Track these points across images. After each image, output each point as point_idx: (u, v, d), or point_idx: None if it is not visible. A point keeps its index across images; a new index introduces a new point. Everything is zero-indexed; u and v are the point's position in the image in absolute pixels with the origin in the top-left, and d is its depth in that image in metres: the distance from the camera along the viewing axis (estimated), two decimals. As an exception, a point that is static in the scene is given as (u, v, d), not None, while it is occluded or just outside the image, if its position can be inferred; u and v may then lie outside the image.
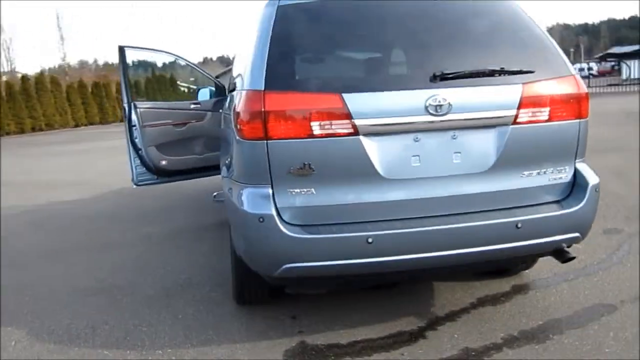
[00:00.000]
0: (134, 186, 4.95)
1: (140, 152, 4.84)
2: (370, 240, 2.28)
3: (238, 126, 2.41)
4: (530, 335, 2.64)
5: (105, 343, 2.83)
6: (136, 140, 4.81)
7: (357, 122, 2.29)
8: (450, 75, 2.33)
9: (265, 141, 2.30)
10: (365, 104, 2.30)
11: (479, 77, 2.37)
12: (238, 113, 2.43)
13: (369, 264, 2.32)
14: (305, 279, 2.43)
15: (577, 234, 2.51)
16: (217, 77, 5.37)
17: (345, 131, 2.30)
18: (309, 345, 2.68)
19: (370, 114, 2.30)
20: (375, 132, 2.32)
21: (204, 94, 5.31)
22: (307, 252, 2.30)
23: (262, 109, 2.29)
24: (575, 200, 2.50)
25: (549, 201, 2.53)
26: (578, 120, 2.51)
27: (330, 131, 2.29)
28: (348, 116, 2.29)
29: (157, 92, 29.18)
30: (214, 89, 5.26)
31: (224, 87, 5.30)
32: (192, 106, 5.09)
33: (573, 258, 2.56)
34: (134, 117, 4.76)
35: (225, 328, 2.91)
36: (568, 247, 2.58)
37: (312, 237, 2.29)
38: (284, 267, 2.32)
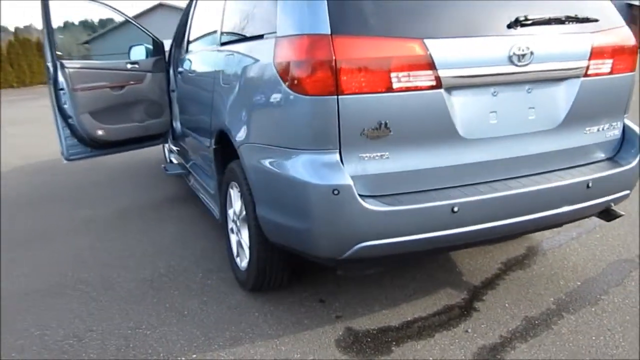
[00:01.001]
0: (65, 161, 4.17)
1: (70, 120, 4.06)
2: (455, 209, 2.00)
3: (293, 80, 1.97)
4: (580, 298, 2.56)
5: (103, 356, 2.27)
6: (65, 107, 4.02)
7: (441, 73, 1.97)
8: (530, 22, 2.08)
9: (336, 97, 1.90)
10: (448, 52, 1.98)
11: (555, 24, 2.16)
12: (291, 63, 1.98)
13: (453, 236, 2.04)
14: (372, 258, 2.10)
15: (627, 191, 2.45)
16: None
17: (427, 84, 1.97)
18: (359, 331, 2.37)
19: (454, 64, 1.99)
20: (457, 85, 2.02)
21: (139, 53, 4.61)
22: (387, 227, 1.97)
23: (333, 57, 1.87)
24: (629, 157, 2.43)
25: (606, 158, 2.43)
26: (631, 73, 2.42)
27: (411, 84, 1.95)
28: (431, 66, 1.96)
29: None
30: (150, 46, 4.56)
31: (162, 43, 4.63)
32: (130, 66, 4.36)
33: (621, 215, 2.51)
34: (61, 78, 3.96)
35: (249, 322, 2.48)
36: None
37: (393, 209, 1.95)
38: (359, 246, 1.96)
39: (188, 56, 3.93)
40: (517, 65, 2.07)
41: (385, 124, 1.95)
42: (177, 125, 4.77)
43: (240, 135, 2.42)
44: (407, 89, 1.95)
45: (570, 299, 2.56)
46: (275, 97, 2.09)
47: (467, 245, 2.28)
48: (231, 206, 2.90)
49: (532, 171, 2.22)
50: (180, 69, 3.97)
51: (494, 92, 2.10)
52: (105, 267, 3.17)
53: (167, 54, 4.69)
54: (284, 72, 2.02)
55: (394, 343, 2.27)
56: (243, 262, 2.76)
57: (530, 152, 2.21)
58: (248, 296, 2.72)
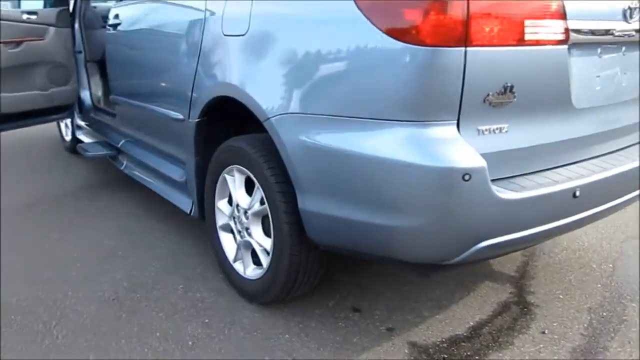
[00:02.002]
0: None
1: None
2: (577, 193, 1.63)
3: (398, 24, 1.44)
4: (623, 281, 2.38)
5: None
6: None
7: (570, 24, 1.57)
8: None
9: (464, 49, 1.41)
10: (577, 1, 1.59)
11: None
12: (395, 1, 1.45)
13: (567, 225, 1.69)
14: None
15: None
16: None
17: (556, 37, 1.56)
18: (426, 346, 1.93)
19: (581, 15, 1.61)
20: (579, 42, 1.64)
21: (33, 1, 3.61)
22: (514, 219, 1.54)
23: (464, -1, 1.38)
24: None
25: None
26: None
27: (542, 36, 1.53)
28: (562, 15, 1.55)
29: None
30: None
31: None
32: (26, 16, 3.35)
33: None
34: None
35: (285, 348, 1.91)
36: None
37: (523, 197, 1.53)
38: (480, 246, 1.51)
39: (120, 7, 3.08)
40: (627, 22, 1.75)
41: (511, 87, 1.51)
42: (86, 95, 3.85)
43: (272, 103, 1.80)
44: (537, 43, 1.52)
45: (616, 283, 2.37)
46: (357, 47, 1.53)
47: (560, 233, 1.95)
48: (223, 197, 2.26)
49: (624, 144, 1.95)
50: (109, 24, 3.09)
51: (600, 52, 1.77)
52: (42, 285, 2.33)
53: (71, 5, 3.74)
54: (376, 12, 1.48)
55: (476, 357, 1.87)
56: (250, 269, 2.16)
57: (623, 124, 1.92)
58: (260, 312, 2.13)
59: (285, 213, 1.87)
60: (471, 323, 2.07)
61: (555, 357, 1.87)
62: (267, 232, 2.08)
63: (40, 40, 3.41)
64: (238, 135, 2.18)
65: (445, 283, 2.35)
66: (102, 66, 3.99)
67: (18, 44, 3.28)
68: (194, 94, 2.25)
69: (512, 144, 1.58)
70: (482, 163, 1.43)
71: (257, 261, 2.14)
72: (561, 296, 2.27)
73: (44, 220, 3.07)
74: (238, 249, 2.21)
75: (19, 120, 3.47)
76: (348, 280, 2.35)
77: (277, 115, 1.78)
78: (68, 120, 4.23)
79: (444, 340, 1.97)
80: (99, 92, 3.94)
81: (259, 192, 2.01)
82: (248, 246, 2.15)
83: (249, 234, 2.11)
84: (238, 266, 2.23)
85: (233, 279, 2.26)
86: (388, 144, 1.50)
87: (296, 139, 1.73)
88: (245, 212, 2.10)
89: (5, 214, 3.14)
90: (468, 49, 1.41)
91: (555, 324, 2.06)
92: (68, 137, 4.38)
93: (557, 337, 1.98)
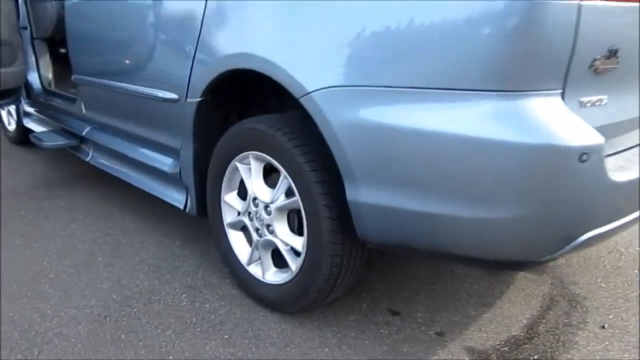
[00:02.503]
0: None
1: None
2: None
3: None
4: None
5: None
6: None
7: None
8: None
9: (578, 3, 1.17)
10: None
11: None
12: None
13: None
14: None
15: None
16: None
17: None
18: (487, 352, 1.70)
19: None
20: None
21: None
22: (619, 204, 1.33)
23: None
24: None
25: None
26: None
27: (648, -10, 1.31)
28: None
29: None
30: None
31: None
32: (-39, -17, 2.82)
33: None
34: None
35: (325, 355, 1.63)
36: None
37: (630, 179, 1.32)
38: (584, 237, 1.29)
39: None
40: None
41: (615, 52, 1.28)
42: (34, 77, 3.35)
43: (312, 75, 1.49)
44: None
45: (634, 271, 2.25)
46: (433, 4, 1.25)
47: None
48: (231, 189, 1.94)
49: None
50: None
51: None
52: (12, 305, 1.91)
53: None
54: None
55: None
56: (271, 273, 1.86)
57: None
58: (287, 323, 1.83)
59: (326, 207, 1.58)
60: (524, 321, 1.86)
61: (626, 356, 1.69)
62: (294, 229, 1.77)
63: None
64: (245, 118, 1.85)
65: (480, 276, 2.14)
66: (51, 44, 3.49)
67: (-47, 15, 2.75)
68: (194, 69, 1.89)
69: (609, 118, 1.36)
70: (600, 140, 1.20)
71: (279, 263, 1.84)
72: (603, 284, 2.11)
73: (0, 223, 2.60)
74: (254, 249, 1.89)
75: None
76: (372, 278, 2.09)
77: (320, 90, 1.47)
78: (11, 107, 3.69)
79: (502, 343, 1.75)
80: (49, 74, 3.43)
81: (284, 183, 1.70)
82: (268, 246, 1.83)
83: (271, 232, 1.79)
84: (254, 270, 1.92)
85: (248, 285, 1.94)
86: (476, 119, 1.24)
87: (347, 116, 1.43)
88: (267, 207, 1.79)
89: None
90: (583, 3, 1.16)
91: (611, 317, 1.89)
92: (11, 127, 3.82)
93: (619, 332, 1.81)
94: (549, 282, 2.12)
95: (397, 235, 1.48)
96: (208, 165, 2.02)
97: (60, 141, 2.93)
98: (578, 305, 1.96)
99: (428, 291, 2.03)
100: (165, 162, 2.24)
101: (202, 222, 2.43)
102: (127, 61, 2.30)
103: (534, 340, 1.76)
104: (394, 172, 1.40)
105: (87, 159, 2.83)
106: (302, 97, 1.52)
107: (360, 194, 1.47)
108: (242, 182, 1.91)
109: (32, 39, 3.36)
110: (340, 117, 1.44)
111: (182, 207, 2.19)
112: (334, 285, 1.69)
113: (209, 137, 2.01)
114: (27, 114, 3.50)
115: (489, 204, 1.27)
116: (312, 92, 1.48)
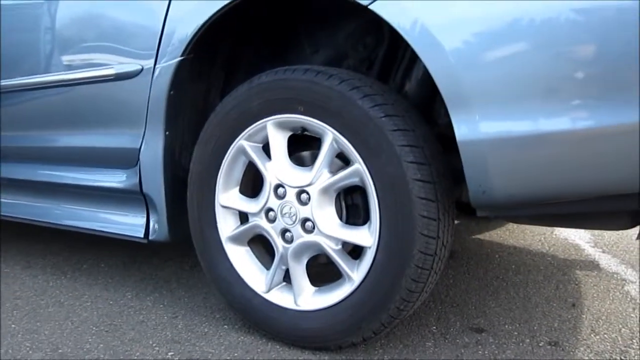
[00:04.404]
0: None
1: None
2: None
3: None
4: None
5: None
6: None
7: None
8: None
9: None
10: None
11: None
12: None
13: None
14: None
15: None
16: None
17: None
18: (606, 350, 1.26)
19: None
20: None
21: None
22: None
23: None
24: None
25: None
26: None
27: None
28: None
29: None
30: None
31: None
32: None
33: None
34: None
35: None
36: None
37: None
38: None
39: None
40: None
41: None
42: None
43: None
44: None
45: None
46: None
47: None
48: (231, 187, 1.37)
49: None
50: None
51: None
52: None
53: None
54: None
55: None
56: (307, 296, 1.29)
57: None
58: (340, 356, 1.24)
59: (414, 164, 1.09)
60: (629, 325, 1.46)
61: None
62: (347, 220, 1.24)
63: None
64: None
65: (541, 275, 1.72)
66: None
67: None
68: (171, 12, 1.35)
69: None
70: None
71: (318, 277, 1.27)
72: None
73: None
74: (278, 265, 1.30)
75: None
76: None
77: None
78: None
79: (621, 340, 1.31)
80: None
81: (331, 149, 1.19)
82: (304, 253, 1.27)
83: (310, 230, 1.23)
84: (278, 297, 1.31)
85: (268, 322, 1.32)
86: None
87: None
88: (301, 193, 1.23)
89: None
90: None
91: None
92: None
93: None
94: (612, 275, 1.77)
95: (545, 182, 1.02)
96: (182, 163, 1.44)
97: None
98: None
99: (496, 300, 1.56)
100: (114, 176, 1.58)
101: (155, 256, 1.79)
102: (42, 38, 1.65)
103: None
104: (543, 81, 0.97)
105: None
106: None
107: (482, 125, 1.01)
108: (248, 175, 1.36)
109: None
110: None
111: (141, 234, 1.53)
112: (423, 288, 1.16)
113: (188, 118, 1.44)
114: None
115: None
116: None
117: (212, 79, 1.50)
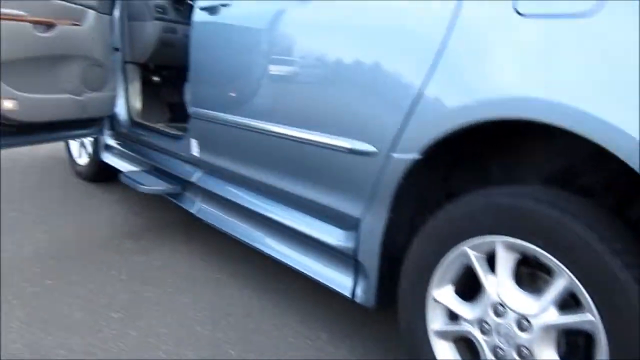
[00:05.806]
0: None
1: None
2: None
3: None
4: None
5: None
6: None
7: None
8: None
9: None
10: None
11: None
12: None
13: None
14: None
15: None
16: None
17: None
18: None
19: None
20: None
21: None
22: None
23: None
24: None
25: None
26: None
27: None
28: None
29: None
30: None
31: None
32: (61, -9, 2.39)
33: None
34: None
35: None
36: None
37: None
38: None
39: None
40: None
41: None
42: (122, 106, 2.89)
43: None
44: None
45: None
46: None
47: None
48: (444, 283, 1.41)
49: None
50: (201, 7, 2.14)
51: None
52: None
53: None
54: None
55: None
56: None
57: None
58: None
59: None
60: None
61: None
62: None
63: (77, 25, 2.44)
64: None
65: None
66: (143, 70, 3.05)
67: (49, 26, 2.30)
68: (414, 113, 1.38)
69: None
70: None
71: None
72: None
73: (78, 289, 2.05)
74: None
75: (35, 134, 2.46)
76: None
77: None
78: (88, 139, 3.20)
79: None
80: (138, 104, 2.97)
81: (560, 286, 1.16)
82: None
83: (527, 357, 1.24)
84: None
85: None
86: None
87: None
88: (521, 320, 1.24)
89: (11, 273, 2.10)
90: None
91: None
92: (82, 160, 3.33)
93: None
94: None
95: None
96: (400, 244, 1.51)
97: (161, 186, 2.41)
98: None
99: None
100: (330, 233, 1.71)
101: (361, 311, 1.89)
102: (289, 96, 1.80)
103: None
104: None
105: (193, 211, 2.30)
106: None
107: None
108: (465, 276, 1.38)
109: (124, 62, 2.92)
110: None
111: (348, 293, 1.65)
112: None
113: (414, 206, 1.49)
114: (108, 148, 3.01)
115: None
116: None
117: (437, 176, 1.53)
